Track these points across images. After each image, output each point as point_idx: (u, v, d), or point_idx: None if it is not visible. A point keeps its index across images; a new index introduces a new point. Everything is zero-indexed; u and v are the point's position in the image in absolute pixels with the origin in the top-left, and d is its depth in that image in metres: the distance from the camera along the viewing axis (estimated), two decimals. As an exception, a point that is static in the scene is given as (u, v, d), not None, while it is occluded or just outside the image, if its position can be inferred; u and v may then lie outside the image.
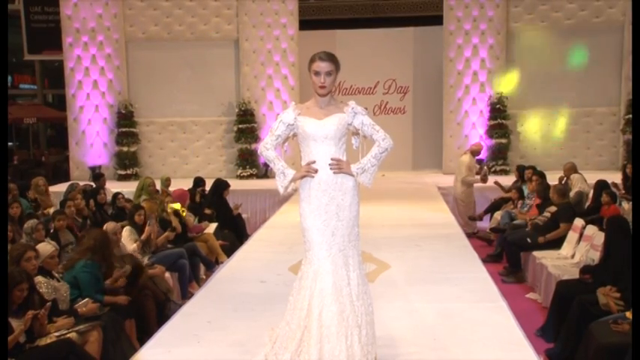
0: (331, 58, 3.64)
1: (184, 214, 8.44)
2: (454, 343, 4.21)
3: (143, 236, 6.94)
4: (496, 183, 10.89)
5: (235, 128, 13.93)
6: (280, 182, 3.77)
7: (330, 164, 3.65)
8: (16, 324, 4.39)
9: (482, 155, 13.31)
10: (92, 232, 5.99)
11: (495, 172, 13.16)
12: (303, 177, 3.69)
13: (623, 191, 9.51)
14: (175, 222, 7.97)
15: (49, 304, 4.75)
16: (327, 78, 3.62)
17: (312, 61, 3.68)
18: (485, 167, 11.67)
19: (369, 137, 3.74)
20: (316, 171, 3.65)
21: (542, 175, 9.44)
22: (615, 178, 10.25)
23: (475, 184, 10.80)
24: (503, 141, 13.54)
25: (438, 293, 5.38)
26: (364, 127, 3.71)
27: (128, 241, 6.84)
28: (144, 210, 7.33)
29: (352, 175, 3.68)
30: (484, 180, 10.75)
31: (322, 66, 3.62)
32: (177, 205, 8.36)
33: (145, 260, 6.71)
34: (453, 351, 4.08)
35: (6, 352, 3.29)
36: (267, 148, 3.77)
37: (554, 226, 7.81)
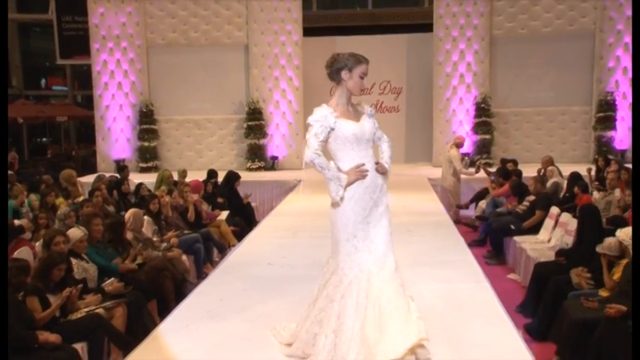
0: None
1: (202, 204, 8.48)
2: (442, 319, 4.20)
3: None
4: (484, 169, 10.96)
5: (245, 125, 13.89)
6: (335, 188, 3.29)
7: (376, 167, 3.38)
8: (53, 299, 4.42)
9: (468, 149, 13.31)
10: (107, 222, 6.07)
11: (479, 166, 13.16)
12: (356, 181, 3.30)
13: (597, 182, 9.51)
14: (191, 210, 8.00)
15: (80, 285, 4.78)
16: None
17: (358, 62, 3.39)
18: (469, 160, 11.82)
19: (376, 137, 3.50)
20: (366, 174, 3.32)
21: (518, 175, 9.46)
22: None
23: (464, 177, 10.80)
24: (487, 137, 13.50)
25: (428, 274, 5.36)
26: (375, 127, 3.48)
27: (147, 229, 6.85)
28: (158, 199, 7.35)
29: (386, 177, 3.45)
30: (477, 171, 10.83)
31: (367, 69, 3.39)
32: (195, 196, 8.40)
33: (163, 245, 6.72)
34: (440, 326, 4.07)
35: (6, 349, 3.25)
36: (318, 155, 3.26)
37: (533, 214, 7.81)
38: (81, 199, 8.27)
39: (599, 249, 5.02)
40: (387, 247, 3.38)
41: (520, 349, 3.68)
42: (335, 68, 3.39)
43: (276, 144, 14.05)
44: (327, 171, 3.28)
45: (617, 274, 4.83)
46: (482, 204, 9.91)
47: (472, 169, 10.87)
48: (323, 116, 3.31)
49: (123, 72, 14.08)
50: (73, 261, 5.08)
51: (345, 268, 3.32)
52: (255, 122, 13.78)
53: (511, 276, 7.32)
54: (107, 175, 10.43)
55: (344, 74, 3.37)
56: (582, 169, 9.70)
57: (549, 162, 10.12)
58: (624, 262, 4.80)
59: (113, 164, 13.74)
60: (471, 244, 7.86)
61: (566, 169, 9.72)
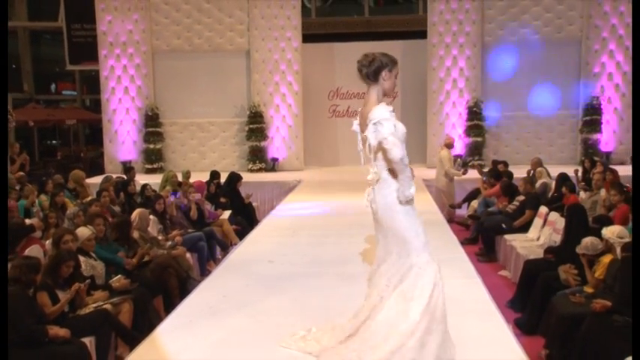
0: None
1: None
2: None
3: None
4: (478, 169, 10.97)
5: (247, 128, 13.89)
6: (409, 185, 3.07)
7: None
8: (62, 295, 4.43)
9: (461, 151, 13.32)
10: (114, 222, 6.07)
11: (472, 167, 13.14)
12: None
13: (583, 183, 9.53)
14: (193, 209, 8.01)
15: (88, 280, 4.78)
16: None
17: (394, 62, 3.19)
18: (462, 162, 11.83)
19: None
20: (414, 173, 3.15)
21: (509, 176, 9.47)
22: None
23: (456, 178, 10.79)
24: (479, 139, 13.51)
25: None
26: None
27: (153, 228, 6.85)
28: (163, 199, 7.36)
29: None
30: (465, 172, 10.80)
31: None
32: (197, 195, 8.41)
33: (168, 243, 6.72)
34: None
35: (6, 349, 3.23)
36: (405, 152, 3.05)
37: (522, 213, 7.82)
38: (89, 199, 8.27)
39: (578, 249, 5.04)
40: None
41: (510, 343, 3.68)
42: (374, 68, 3.15)
43: (276, 146, 14.05)
44: (408, 169, 3.01)
45: (598, 272, 4.85)
46: (475, 203, 9.92)
47: (460, 170, 10.83)
48: (390, 114, 3.03)
49: (129, 77, 14.08)
50: (82, 259, 5.09)
51: (419, 264, 3.10)
52: (256, 125, 13.77)
53: (502, 273, 7.33)
54: (114, 176, 10.42)
55: (384, 74, 3.15)
56: (569, 171, 9.72)
57: (538, 163, 10.14)
58: (607, 259, 4.82)
59: (120, 166, 13.72)
60: (464, 242, 7.87)
61: (554, 171, 9.73)
